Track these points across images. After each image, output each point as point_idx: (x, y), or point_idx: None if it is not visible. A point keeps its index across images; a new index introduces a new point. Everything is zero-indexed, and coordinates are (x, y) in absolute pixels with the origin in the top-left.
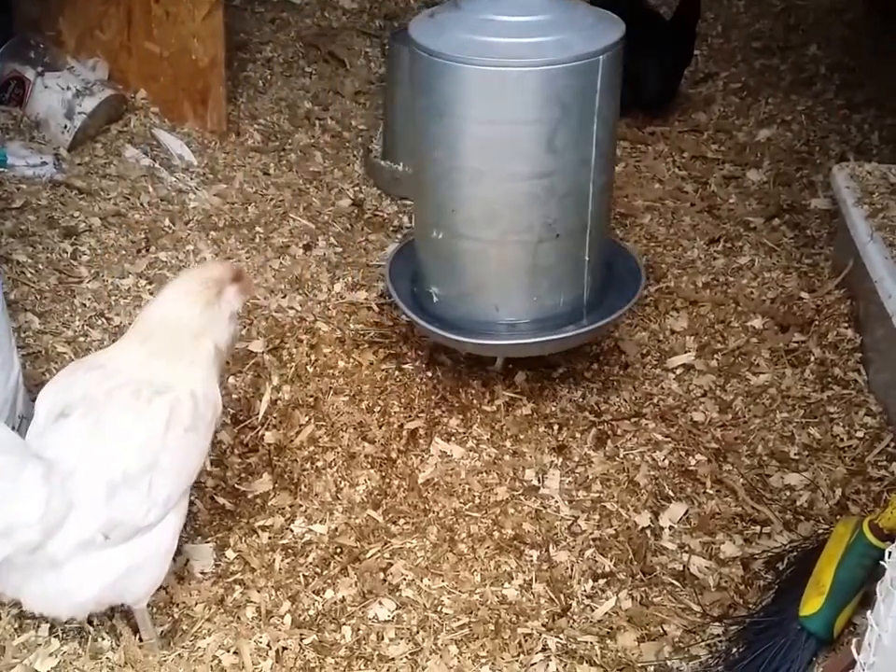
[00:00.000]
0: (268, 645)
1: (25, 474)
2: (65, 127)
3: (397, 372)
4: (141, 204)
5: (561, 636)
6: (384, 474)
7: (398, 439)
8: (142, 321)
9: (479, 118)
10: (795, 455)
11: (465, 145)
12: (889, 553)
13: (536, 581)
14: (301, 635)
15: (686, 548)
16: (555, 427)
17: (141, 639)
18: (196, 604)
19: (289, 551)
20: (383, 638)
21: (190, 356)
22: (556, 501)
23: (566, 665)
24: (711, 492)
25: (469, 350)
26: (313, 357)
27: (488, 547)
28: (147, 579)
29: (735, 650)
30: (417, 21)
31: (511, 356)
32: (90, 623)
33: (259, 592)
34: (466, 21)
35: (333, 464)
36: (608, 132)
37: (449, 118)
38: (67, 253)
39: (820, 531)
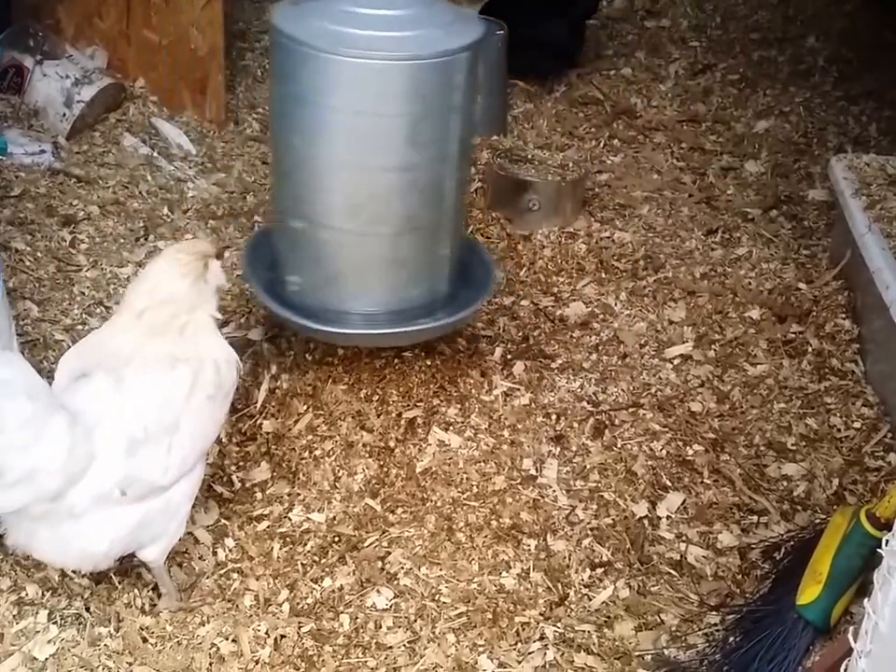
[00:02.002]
0: (266, 633)
1: (52, 421)
2: (64, 115)
3: (395, 361)
4: (139, 193)
5: (559, 624)
6: (382, 463)
7: (396, 428)
8: (133, 295)
9: (342, 108)
10: (792, 445)
11: (326, 135)
12: (887, 541)
13: (533, 570)
14: (299, 623)
15: (683, 537)
16: (553, 416)
17: (155, 605)
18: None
19: (287, 539)
20: (381, 627)
21: (192, 327)
22: (554, 491)
23: (563, 654)
24: (709, 482)
25: (323, 339)
26: (311, 346)
27: (486, 536)
28: (161, 539)
29: (732, 638)
30: (280, 9)
31: (366, 346)
32: (87, 610)
33: (257, 580)
34: (329, 10)
35: (331, 453)
36: (466, 128)
37: (311, 106)
38: (66, 241)
39: (817, 521)
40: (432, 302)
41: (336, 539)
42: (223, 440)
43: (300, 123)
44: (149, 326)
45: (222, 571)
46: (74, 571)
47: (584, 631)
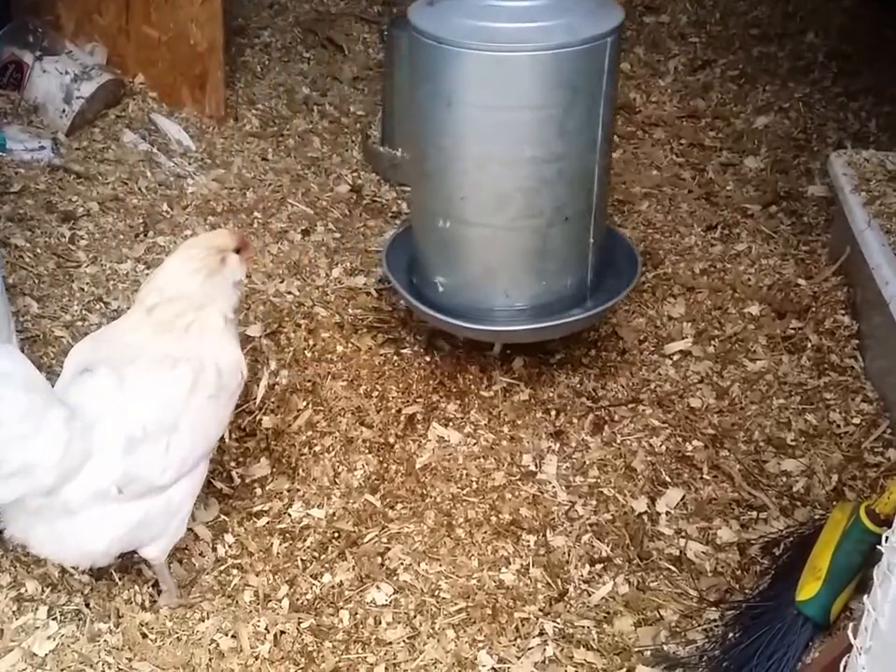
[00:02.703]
0: (266, 629)
1: (49, 415)
2: (63, 111)
3: (395, 357)
4: (139, 189)
5: (558, 620)
6: (381, 459)
7: (395, 424)
8: (146, 295)
9: (488, 104)
10: (792, 441)
11: (474, 132)
12: (886, 538)
13: (533, 565)
14: (298, 619)
15: (683, 533)
16: (553, 412)
17: (155, 601)
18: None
19: (287, 535)
20: (380, 622)
21: (197, 326)
22: (553, 486)
23: (562, 650)
24: (708, 477)
25: (477, 338)
26: (311, 342)
27: (485, 532)
28: (161, 538)
29: (731, 634)
30: (417, 8)
31: (520, 341)
32: (87, 605)
33: (257, 576)
34: (466, 6)
35: (331, 449)
36: (611, 114)
37: (457, 105)
38: (65, 237)
39: (817, 517)
40: (580, 292)
41: (336, 534)
42: (223, 436)
43: (447, 123)
44: (157, 323)
45: (222, 567)
46: (73, 567)
47: (584, 627)
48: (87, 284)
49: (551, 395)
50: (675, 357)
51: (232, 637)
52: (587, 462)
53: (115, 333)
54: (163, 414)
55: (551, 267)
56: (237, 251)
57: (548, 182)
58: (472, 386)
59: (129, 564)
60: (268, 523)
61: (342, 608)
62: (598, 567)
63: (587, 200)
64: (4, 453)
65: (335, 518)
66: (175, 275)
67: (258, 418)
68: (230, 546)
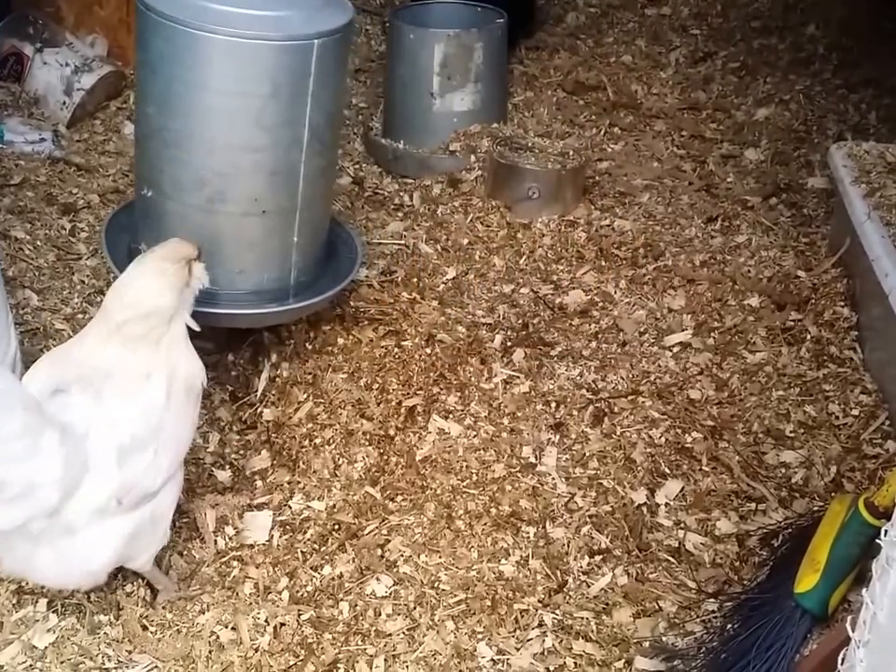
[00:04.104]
0: (266, 621)
1: (46, 433)
2: (64, 103)
3: (395, 349)
4: None
5: (557, 611)
6: (382, 451)
7: (396, 416)
8: (113, 307)
9: (189, 81)
10: (791, 432)
11: (174, 106)
12: (885, 530)
13: (532, 557)
14: (298, 611)
15: (682, 524)
16: (553, 404)
17: (155, 596)
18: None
19: (287, 527)
20: (380, 614)
21: (167, 338)
22: (553, 478)
23: (562, 641)
24: (707, 469)
25: None
26: (311, 335)
27: (485, 524)
28: (149, 545)
29: (729, 626)
30: None
31: (213, 325)
32: (87, 598)
33: (257, 568)
34: None
35: (331, 441)
36: (324, 116)
37: (160, 76)
38: (66, 230)
39: (816, 508)
40: (281, 287)
41: (336, 526)
42: (224, 428)
43: (151, 92)
44: (127, 338)
45: (222, 559)
46: (75, 590)
47: (583, 618)
48: (87, 276)
49: (551, 387)
50: (675, 349)
51: (232, 629)
52: (587, 454)
53: (80, 351)
54: (148, 420)
55: (246, 257)
56: (197, 258)
57: (243, 171)
58: (472, 379)
59: None
60: (268, 515)
61: (341, 599)
62: (597, 558)
63: (290, 198)
64: (6, 474)
65: (335, 510)
66: (150, 292)
67: (258, 411)
68: (230, 538)
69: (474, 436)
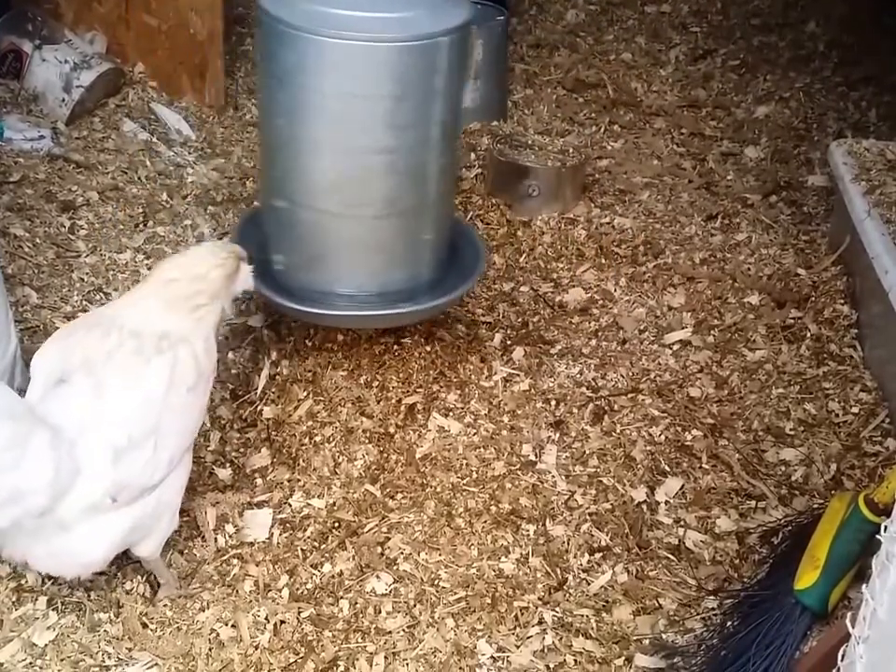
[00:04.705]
0: (266, 618)
1: (34, 440)
2: (63, 100)
3: (395, 347)
4: (139, 179)
5: (557, 609)
6: (381, 449)
7: (395, 414)
8: (168, 270)
9: (321, 89)
10: (791, 430)
11: (307, 115)
12: (885, 527)
13: (532, 555)
14: (298, 608)
15: (682, 522)
16: (553, 402)
17: (155, 593)
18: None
19: (287, 525)
20: (380, 612)
21: (201, 312)
22: (553, 476)
23: (561, 638)
24: (707, 467)
25: (307, 320)
26: (311, 332)
27: (485, 521)
28: (155, 536)
29: (729, 623)
30: None
31: (350, 328)
32: (87, 596)
33: (257, 566)
34: None
35: (331, 439)
36: (451, 112)
37: (292, 87)
38: (65, 227)
39: (815, 506)
40: (414, 287)
41: (336, 524)
42: (224, 426)
43: (280, 103)
44: (171, 296)
45: (222, 557)
46: (75, 579)
47: (583, 615)
48: (87, 274)
49: (551, 385)
50: (675, 347)
51: (232, 626)
52: (587, 452)
53: (109, 309)
54: (146, 417)
55: (381, 259)
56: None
57: (377, 174)
58: (472, 376)
59: (130, 556)
60: (269, 512)
61: (341, 597)
62: (597, 556)
63: (421, 197)
64: None
65: (335, 508)
66: (203, 261)
67: (258, 408)
68: (230, 536)
69: (474, 434)
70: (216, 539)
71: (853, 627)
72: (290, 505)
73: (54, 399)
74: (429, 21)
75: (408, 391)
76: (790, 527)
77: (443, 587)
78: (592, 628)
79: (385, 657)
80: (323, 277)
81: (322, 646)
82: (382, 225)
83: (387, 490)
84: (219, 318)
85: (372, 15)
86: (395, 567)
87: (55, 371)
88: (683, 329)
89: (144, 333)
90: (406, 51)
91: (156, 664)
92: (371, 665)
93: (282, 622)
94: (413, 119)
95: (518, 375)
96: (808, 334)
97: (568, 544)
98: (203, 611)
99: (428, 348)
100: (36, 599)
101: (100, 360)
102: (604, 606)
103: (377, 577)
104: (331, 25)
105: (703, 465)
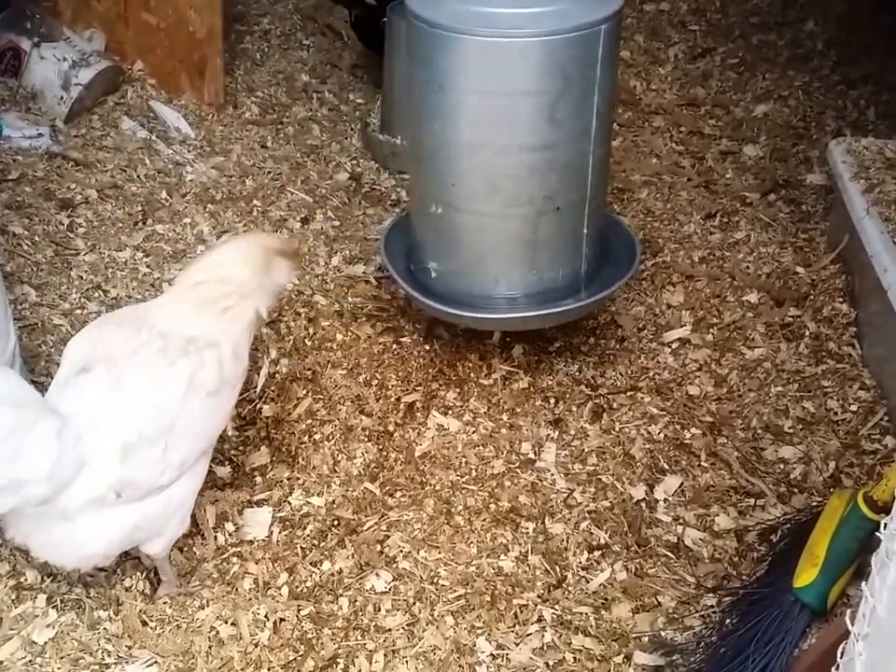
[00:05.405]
0: (266, 616)
1: (37, 429)
2: (62, 98)
3: (394, 346)
4: (138, 177)
5: (556, 607)
6: (381, 447)
7: (395, 412)
8: (194, 272)
9: (479, 89)
10: (789, 428)
11: (465, 117)
12: (884, 524)
13: (532, 552)
14: (298, 606)
15: (681, 520)
16: (552, 400)
17: (155, 590)
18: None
19: (287, 523)
20: (380, 610)
21: (232, 314)
22: (552, 474)
23: (561, 636)
24: (706, 465)
25: (468, 325)
26: (311, 331)
27: (484, 519)
28: (163, 535)
29: (728, 620)
30: None
31: (511, 329)
32: (87, 594)
33: (256, 564)
34: None
35: (331, 437)
36: (607, 102)
37: (448, 90)
38: (64, 225)
39: (814, 503)
40: (574, 282)
41: (335, 522)
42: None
43: (438, 108)
44: (199, 298)
45: (222, 555)
46: (75, 570)
47: (582, 613)
48: (85, 272)
49: (550, 383)
50: (673, 345)
51: (232, 624)
52: (586, 450)
53: (140, 310)
54: (160, 418)
55: (542, 256)
56: (288, 257)
57: (538, 170)
58: (472, 375)
59: (129, 552)
60: (268, 511)
61: (341, 595)
62: (596, 553)
63: (580, 190)
64: None
65: (335, 506)
66: (231, 260)
67: (258, 407)
68: (230, 534)
69: (473, 432)
70: (215, 537)
71: (852, 625)
72: (290, 503)
73: (73, 387)
74: (586, 11)
75: (407, 389)
76: (788, 525)
77: (443, 585)
78: (591, 626)
79: (385, 655)
80: (484, 280)
81: (322, 644)
82: (542, 222)
83: (387, 488)
84: (253, 318)
85: (528, 11)
86: (394, 565)
87: (81, 360)
88: (682, 327)
89: (172, 335)
90: (569, 43)
91: (155, 661)
92: (370, 663)
93: (281, 619)
94: (574, 111)
95: (517, 373)
96: (807, 332)
97: (567, 542)
98: (203, 609)
99: (427, 347)
100: (36, 597)
101: (123, 355)
102: (603, 603)
103: (377, 575)
104: (492, 24)
105: (702, 463)
